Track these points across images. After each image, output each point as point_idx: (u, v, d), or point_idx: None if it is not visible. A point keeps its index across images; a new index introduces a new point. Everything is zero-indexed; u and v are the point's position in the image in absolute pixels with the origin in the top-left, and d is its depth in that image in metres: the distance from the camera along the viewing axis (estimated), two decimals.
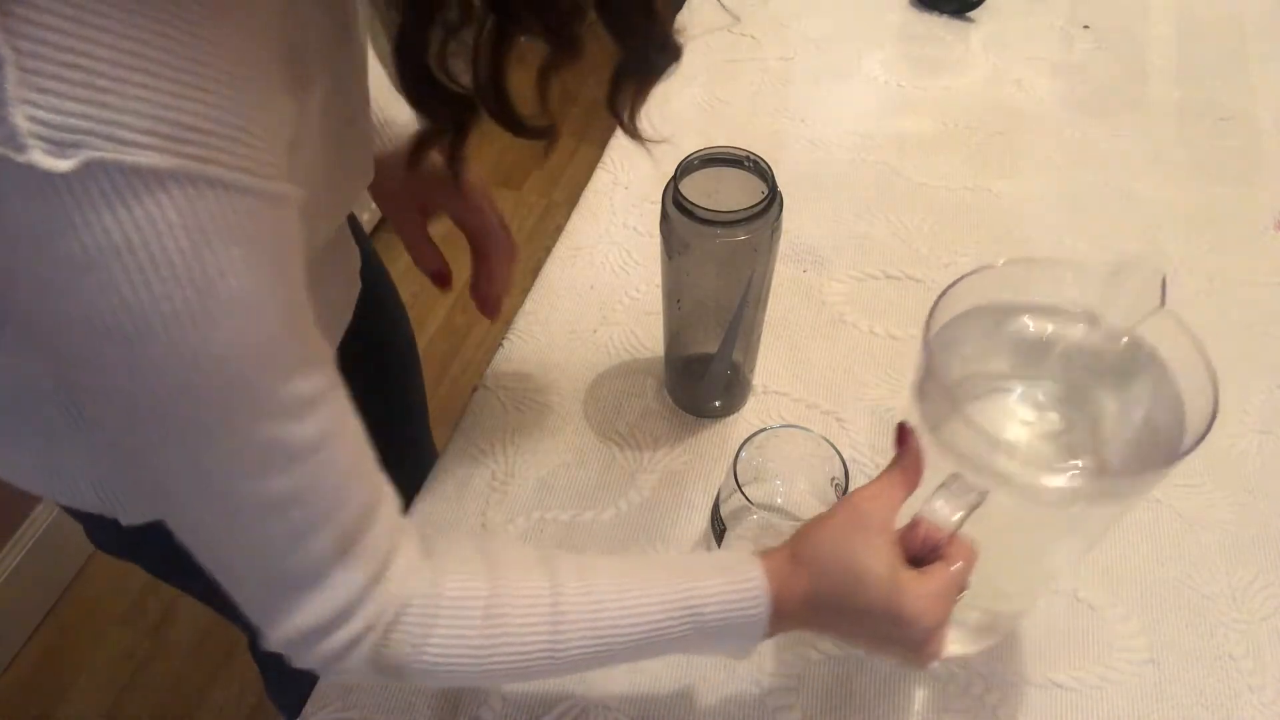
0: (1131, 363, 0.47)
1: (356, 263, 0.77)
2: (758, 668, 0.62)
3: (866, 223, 0.90)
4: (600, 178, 0.95)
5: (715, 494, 0.66)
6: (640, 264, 0.87)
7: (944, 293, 0.46)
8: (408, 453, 0.95)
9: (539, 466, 0.72)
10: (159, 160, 0.33)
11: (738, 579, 0.49)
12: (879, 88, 1.05)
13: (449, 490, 0.71)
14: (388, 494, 0.47)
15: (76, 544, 1.64)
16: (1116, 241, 0.88)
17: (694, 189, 0.61)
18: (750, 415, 0.75)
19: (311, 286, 0.42)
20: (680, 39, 0.52)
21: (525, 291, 0.85)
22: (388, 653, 0.45)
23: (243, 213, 0.36)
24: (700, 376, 0.71)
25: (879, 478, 0.50)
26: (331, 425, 0.42)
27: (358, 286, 0.77)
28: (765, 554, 0.51)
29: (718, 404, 0.75)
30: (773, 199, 0.60)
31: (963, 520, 0.46)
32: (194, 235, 0.34)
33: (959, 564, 0.48)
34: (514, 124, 0.55)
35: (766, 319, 0.71)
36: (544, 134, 0.58)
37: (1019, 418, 0.48)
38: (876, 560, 0.47)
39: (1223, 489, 0.71)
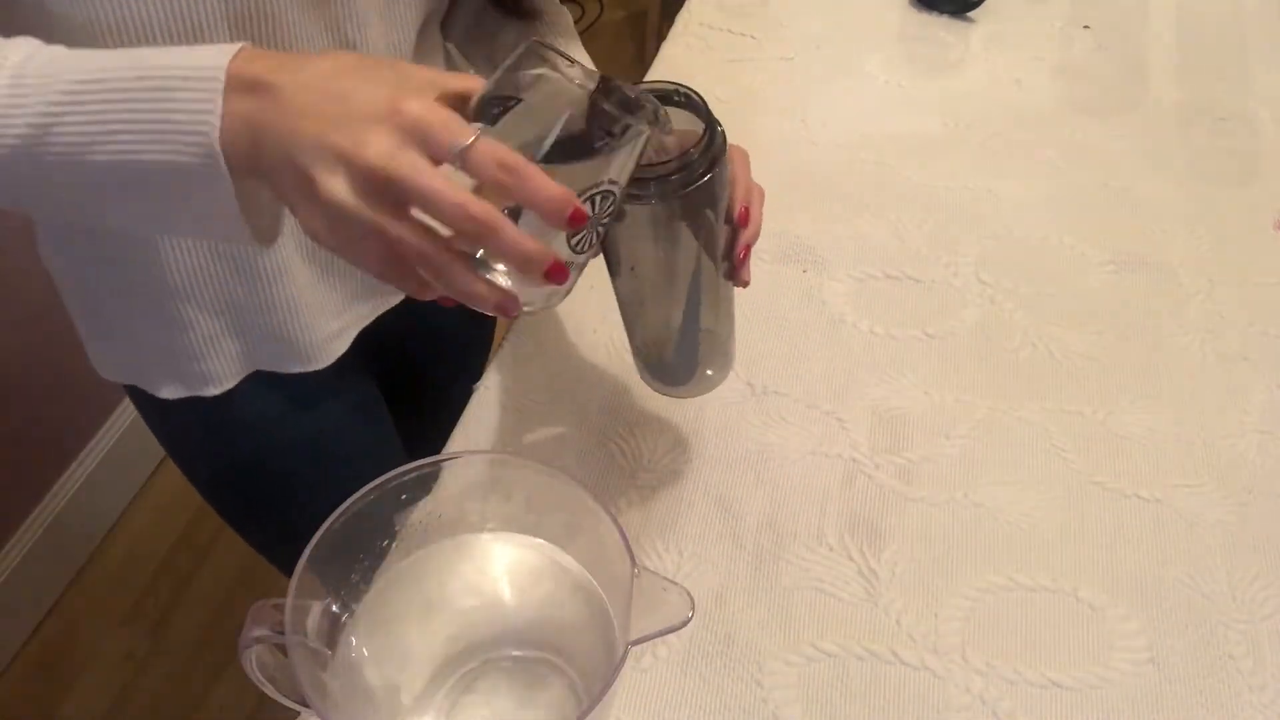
0: None
1: None
2: (758, 667, 0.62)
3: (866, 223, 0.90)
4: None
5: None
6: None
7: None
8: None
9: None
10: None
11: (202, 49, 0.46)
12: (879, 88, 1.05)
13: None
14: None
15: (77, 544, 1.64)
16: (1116, 241, 0.88)
17: None
18: (750, 415, 0.75)
19: None
20: None
21: None
22: None
23: None
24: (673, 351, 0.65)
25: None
26: None
27: None
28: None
29: (688, 376, 0.67)
30: (711, 137, 0.54)
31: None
32: None
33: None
34: None
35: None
36: None
37: None
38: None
39: (1223, 489, 0.71)
